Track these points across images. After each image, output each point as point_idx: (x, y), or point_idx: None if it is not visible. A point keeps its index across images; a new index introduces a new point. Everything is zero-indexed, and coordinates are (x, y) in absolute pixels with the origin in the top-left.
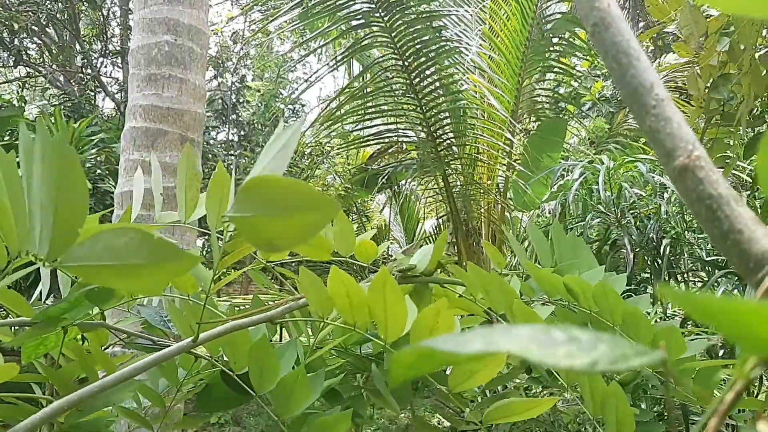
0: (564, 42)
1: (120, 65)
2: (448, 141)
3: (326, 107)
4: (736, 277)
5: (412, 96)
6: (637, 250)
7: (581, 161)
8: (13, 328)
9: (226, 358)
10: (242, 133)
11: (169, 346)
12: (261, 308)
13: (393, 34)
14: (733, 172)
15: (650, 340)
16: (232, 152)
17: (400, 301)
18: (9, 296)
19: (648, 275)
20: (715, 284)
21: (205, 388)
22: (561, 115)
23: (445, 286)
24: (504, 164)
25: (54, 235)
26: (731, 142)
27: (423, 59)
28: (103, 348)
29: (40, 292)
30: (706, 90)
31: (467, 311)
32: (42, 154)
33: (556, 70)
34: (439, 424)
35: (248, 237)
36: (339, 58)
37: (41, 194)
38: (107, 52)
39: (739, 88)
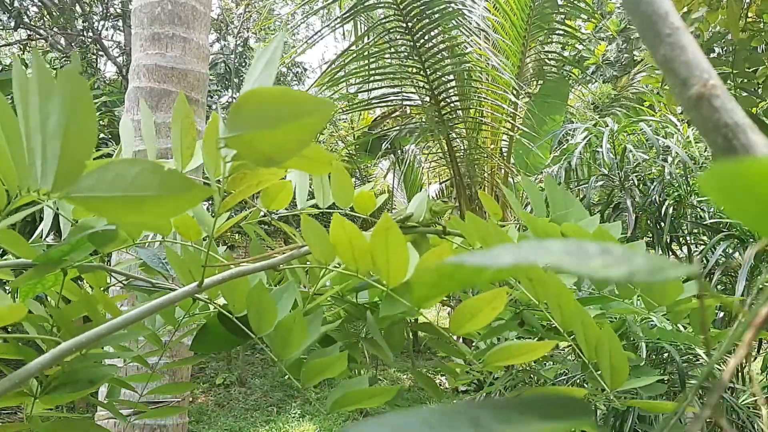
0: (569, 4)
1: (121, 28)
2: (452, 105)
3: (328, 68)
4: (737, 240)
5: (416, 58)
6: (639, 213)
7: (585, 124)
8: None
9: (224, 300)
10: None
11: (169, 288)
12: (264, 255)
13: None
14: None
15: (647, 285)
16: None
17: (402, 246)
18: (9, 237)
19: (650, 239)
20: (715, 247)
21: (202, 328)
22: (565, 79)
23: (443, 236)
24: (508, 128)
25: (60, 167)
26: None
27: (426, 21)
28: (102, 290)
29: (41, 231)
30: None
31: None
32: (42, 85)
33: (560, 32)
34: (440, 385)
35: (246, 155)
36: (341, 18)
37: (44, 125)
38: (108, 14)
39: (706, 25)
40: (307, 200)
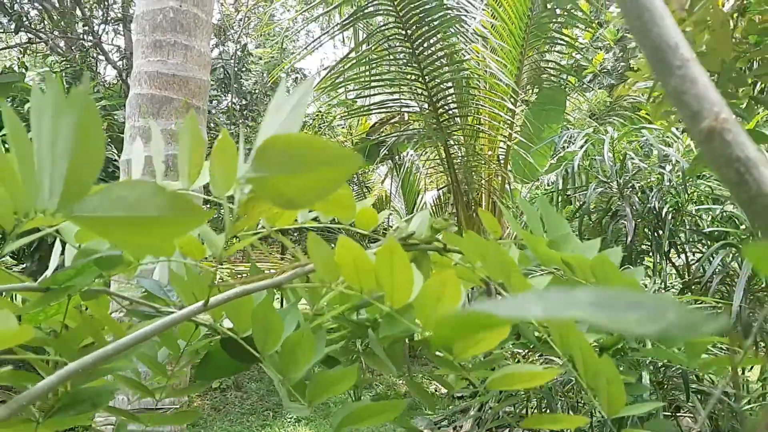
0: (566, 13)
1: (122, 32)
2: (450, 112)
3: (327, 74)
4: (734, 249)
5: (415, 65)
6: (638, 221)
7: (583, 131)
8: (15, 296)
9: (227, 325)
10: (243, 102)
11: (171, 312)
12: (268, 274)
13: (395, 1)
14: None
15: None
16: (233, 121)
17: (407, 268)
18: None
19: (647, 246)
20: (713, 256)
21: (205, 356)
22: (562, 87)
23: (443, 253)
24: (505, 135)
25: (66, 186)
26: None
27: (425, 28)
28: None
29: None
30: None
31: (463, 279)
32: (55, 107)
33: (558, 41)
34: (436, 391)
35: (268, 196)
36: (341, 24)
37: (54, 146)
38: (108, 18)
39: (694, 47)
40: (308, 212)
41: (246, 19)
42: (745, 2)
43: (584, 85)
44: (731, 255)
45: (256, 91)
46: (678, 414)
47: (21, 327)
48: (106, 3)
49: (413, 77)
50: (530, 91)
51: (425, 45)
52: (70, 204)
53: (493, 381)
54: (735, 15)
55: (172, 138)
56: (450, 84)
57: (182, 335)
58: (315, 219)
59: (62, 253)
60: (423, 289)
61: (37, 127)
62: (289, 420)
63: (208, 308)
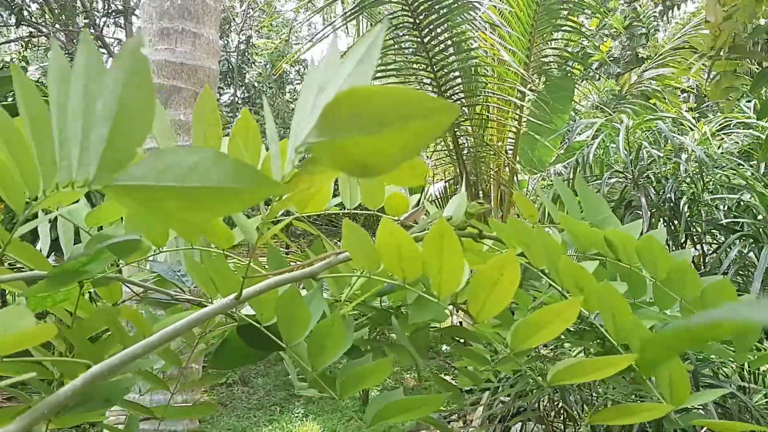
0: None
1: (123, 25)
2: (459, 101)
3: None
4: (751, 240)
5: (423, 55)
6: (653, 211)
7: (596, 120)
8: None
9: (244, 311)
10: (247, 94)
11: (187, 300)
12: (296, 265)
13: None
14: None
15: (698, 296)
16: (236, 114)
17: (458, 254)
18: (23, 249)
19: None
20: (730, 247)
21: (222, 344)
22: (570, 75)
23: (478, 240)
24: (514, 125)
25: (107, 153)
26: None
27: (434, 16)
28: (116, 304)
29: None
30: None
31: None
32: (89, 66)
33: (565, 28)
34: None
35: (335, 163)
36: (348, 13)
37: (90, 111)
38: (110, 11)
39: (748, 17)
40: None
41: (249, 10)
42: None
43: (591, 73)
44: (748, 246)
45: (260, 83)
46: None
47: (42, 326)
48: None
49: (421, 66)
50: (538, 80)
51: (434, 34)
52: (111, 172)
53: (558, 374)
54: None
55: (181, 129)
56: (458, 73)
57: (188, 313)
58: (337, 205)
59: (55, 239)
60: (477, 275)
61: (61, 92)
62: (296, 415)
63: (241, 301)
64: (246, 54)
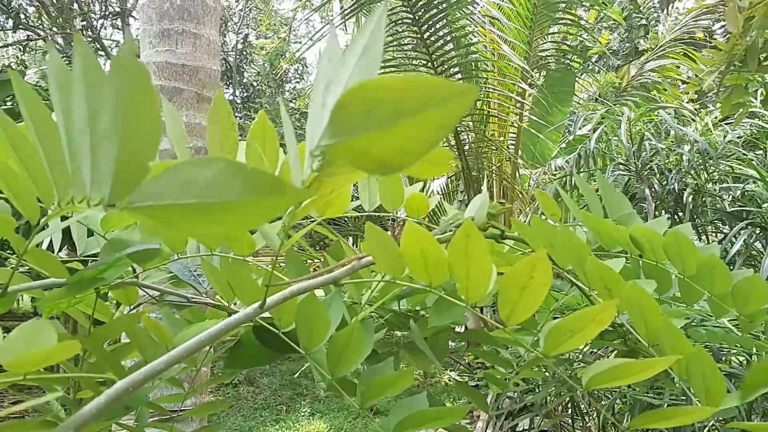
0: None
1: (120, 27)
2: None
3: None
4: (758, 229)
5: (423, 50)
6: (657, 203)
7: (597, 111)
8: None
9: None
10: (246, 94)
11: (205, 303)
12: (325, 269)
13: None
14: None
15: (728, 291)
16: (236, 114)
17: (485, 258)
18: (39, 255)
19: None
20: (736, 236)
21: (236, 344)
22: (570, 69)
23: (500, 240)
24: (516, 120)
25: (118, 171)
26: (750, 89)
27: (434, 11)
28: (133, 308)
29: (50, 244)
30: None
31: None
32: (88, 77)
33: (564, 21)
34: (450, 381)
35: (354, 162)
36: (348, 10)
37: (94, 124)
38: (107, 13)
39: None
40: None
41: (246, 9)
42: None
43: (590, 66)
44: (754, 235)
45: (259, 82)
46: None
47: (66, 343)
48: None
49: (421, 63)
50: (538, 74)
51: (434, 29)
52: (125, 192)
53: (595, 378)
54: None
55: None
56: (458, 68)
57: (212, 322)
58: (357, 209)
59: (68, 237)
60: (506, 278)
61: (64, 103)
62: (303, 414)
63: (265, 309)
64: (244, 53)
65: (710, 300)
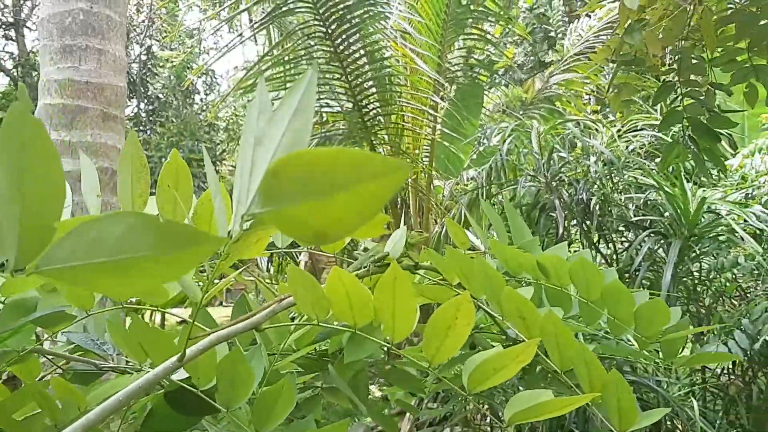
0: (480, 8)
1: (13, 38)
2: (375, 110)
3: (245, 75)
4: (661, 237)
5: (337, 64)
6: (566, 212)
7: (508, 124)
8: None
9: (173, 376)
10: (151, 107)
11: (113, 369)
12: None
13: None
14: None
15: (631, 315)
16: (141, 128)
17: (410, 299)
18: None
19: (577, 237)
20: (641, 244)
21: (148, 417)
22: (478, 82)
23: (414, 271)
24: (429, 132)
25: (23, 235)
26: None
27: (347, 26)
28: (37, 379)
29: None
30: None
31: (433, 300)
32: None
33: (472, 36)
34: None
35: (289, 231)
36: (259, 22)
37: None
38: None
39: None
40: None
41: (149, 20)
42: None
43: (497, 80)
44: (658, 243)
45: (166, 94)
46: None
47: None
48: None
49: (335, 76)
50: (449, 88)
51: (347, 43)
52: (31, 256)
53: (518, 414)
54: (693, 3)
55: (88, 151)
56: (373, 83)
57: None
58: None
59: None
60: (432, 320)
61: None
62: None
63: (184, 363)
64: (148, 65)
65: (610, 321)
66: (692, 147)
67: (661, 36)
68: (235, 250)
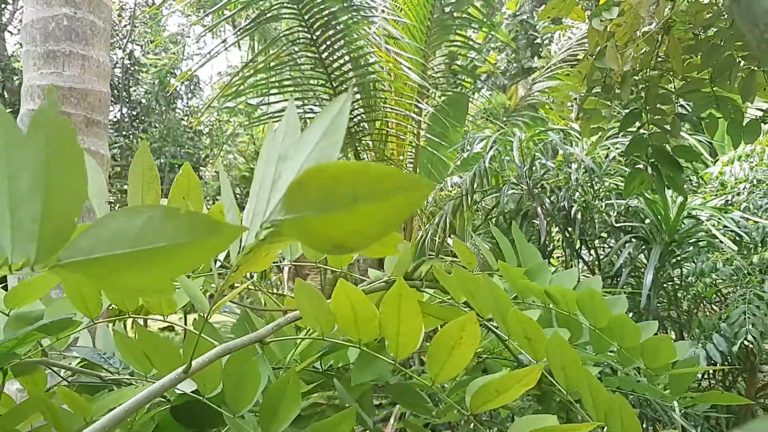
0: (463, 15)
1: None
2: (359, 116)
3: (230, 81)
4: (642, 242)
5: (321, 70)
6: (548, 219)
7: (492, 133)
8: None
9: (179, 390)
10: (134, 113)
11: (120, 381)
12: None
13: (300, 6)
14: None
15: (636, 346)
16: (123, 133)
17: (416, 315)
18: None
19: (558, 244)
20: (621, 249)
21: (155, 429)
22: (461, 89)
23: (420, 290)
24: (413, 139)
25: (44, 231)
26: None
27: (331, 32)
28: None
29: None
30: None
31: (441, 319)
32: (4, 136)
33: (456, 42)
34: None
35: (307, 240)
36: (242, 30)
37: (14, 185)
38: None
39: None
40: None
41: (131, 25)
42: (670, 22)
43: (481, 86)
44: (638, 248)
45: (150, 99)
46: None
47: None
48: None
49: (319, 82)
50: (434, 95)
51: (331, 49)
52: (52, 250)
53: None
54: (660, 33)
55: None
56: (357, 89)
57: (118, 402)
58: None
59: None
60: (437, 338)
61: None
62: None
63: (190, 374)
64: (130, 71)
65: (619, 351)
66: (654, 175)
67: (629, 64)
68: (246, 262)
